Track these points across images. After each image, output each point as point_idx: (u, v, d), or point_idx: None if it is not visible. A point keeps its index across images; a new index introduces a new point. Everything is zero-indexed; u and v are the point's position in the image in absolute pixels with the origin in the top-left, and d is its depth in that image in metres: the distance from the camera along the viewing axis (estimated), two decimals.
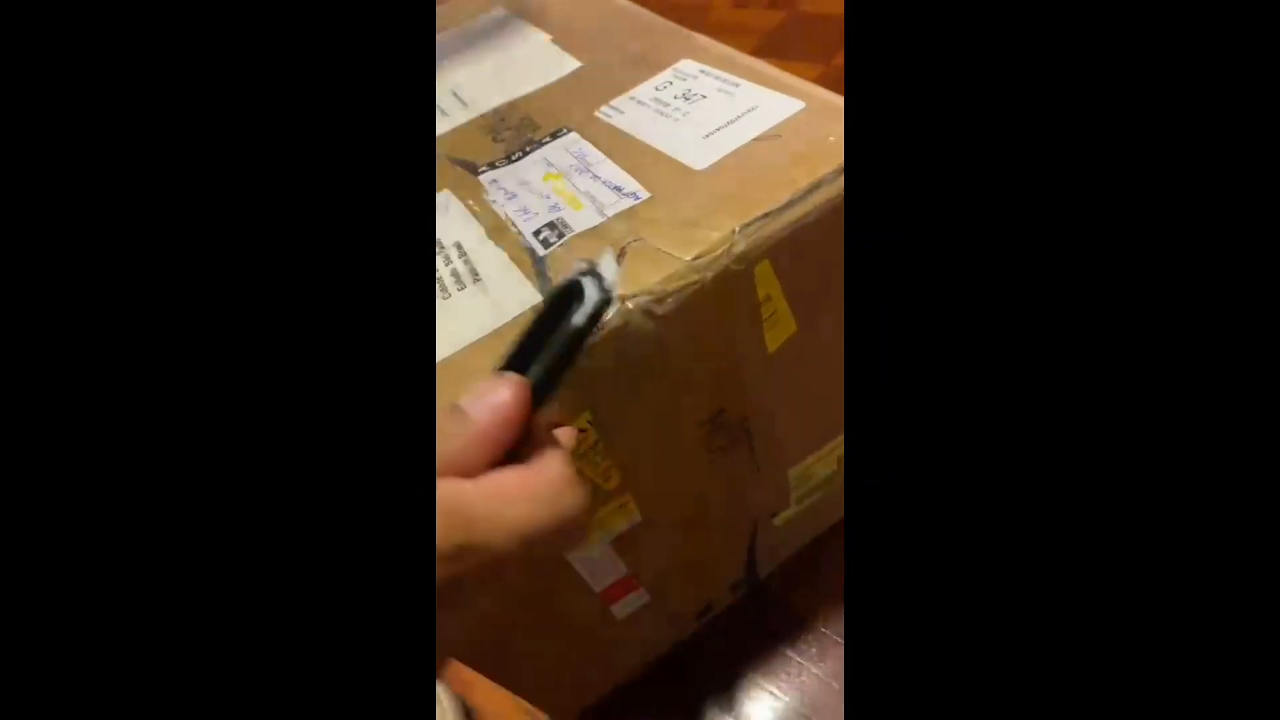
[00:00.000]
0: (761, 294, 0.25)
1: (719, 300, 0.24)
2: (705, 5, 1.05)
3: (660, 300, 0.23)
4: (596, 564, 0.30)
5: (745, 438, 0.30)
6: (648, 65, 0.33)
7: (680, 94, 0.31)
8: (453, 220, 0.28)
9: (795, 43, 0.93)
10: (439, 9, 0.45)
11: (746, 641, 0.40)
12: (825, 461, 0.36)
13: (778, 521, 0.37)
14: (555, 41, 0.38)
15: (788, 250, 0.24)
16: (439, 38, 0.42)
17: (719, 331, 0.25)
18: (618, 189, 0.27)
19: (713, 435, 0.29)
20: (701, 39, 0.34)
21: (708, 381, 0.26)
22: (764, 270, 0.24)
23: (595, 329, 0.18)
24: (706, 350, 0.25)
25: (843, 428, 0.35)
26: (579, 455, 0.25)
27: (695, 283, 0.23)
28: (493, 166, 0.30)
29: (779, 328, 0.27)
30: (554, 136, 0.31)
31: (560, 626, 0.32)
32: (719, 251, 0.23)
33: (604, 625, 0.34)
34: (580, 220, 0.26)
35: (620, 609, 0.34)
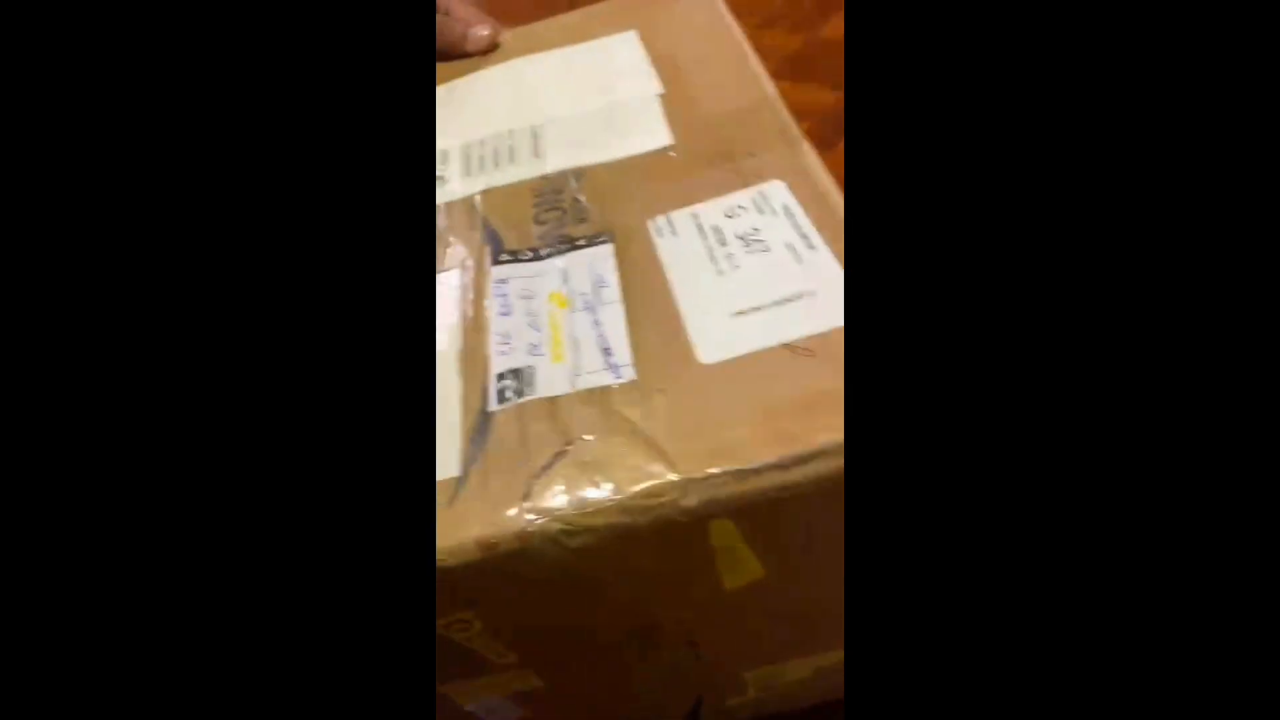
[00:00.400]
0: (716, 544, 0.20)
1: (655, 543, 0.20)
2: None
3: (572, 534, 0.19)
4: (495, 709, 0.28)
5: (688, 646, 0.26)
6: (736, 169, 0.28)
7: (745, 232, 0.25)
8: (442, 317, 0.25)
9: (816, 67, 0.83)
10: (571, 14, 0.41)
11: None
12: (800, 669, 0.31)
13: (730, 702, 0.33)
14: (662, 98, 0.33)
15: (760, 514, 0.19)
16: (559, 52, 0.38)
17: (655, 568, 0.21)
18: (606, 352, 0.22)
19: (642, 644, 0.25)
20: (810, 157, 0.28)
21: (634, 605, 0.22)
22: (721, 526, 0.20)
23: None
24: (634, 581, 0.21)
25: (826, 645, 0.29)
26: (461, 636, 0.22)
27: (623, 525, 0.19)
28: (515, 258, 0.27)
29: (740, 572, 0.22)
30: (590, 242, 0.27)
31: None
32: (663, 499, 0.19)
33: None
34: (547, 379, 0.22)
35: None
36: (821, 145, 0.77)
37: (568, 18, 0.42)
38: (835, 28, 0.89)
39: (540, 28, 0.41)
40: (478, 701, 0.27)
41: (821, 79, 0.82)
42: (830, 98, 0.78)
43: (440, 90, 0.38)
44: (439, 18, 0.39)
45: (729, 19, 0.39)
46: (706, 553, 0.21)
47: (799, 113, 0.74)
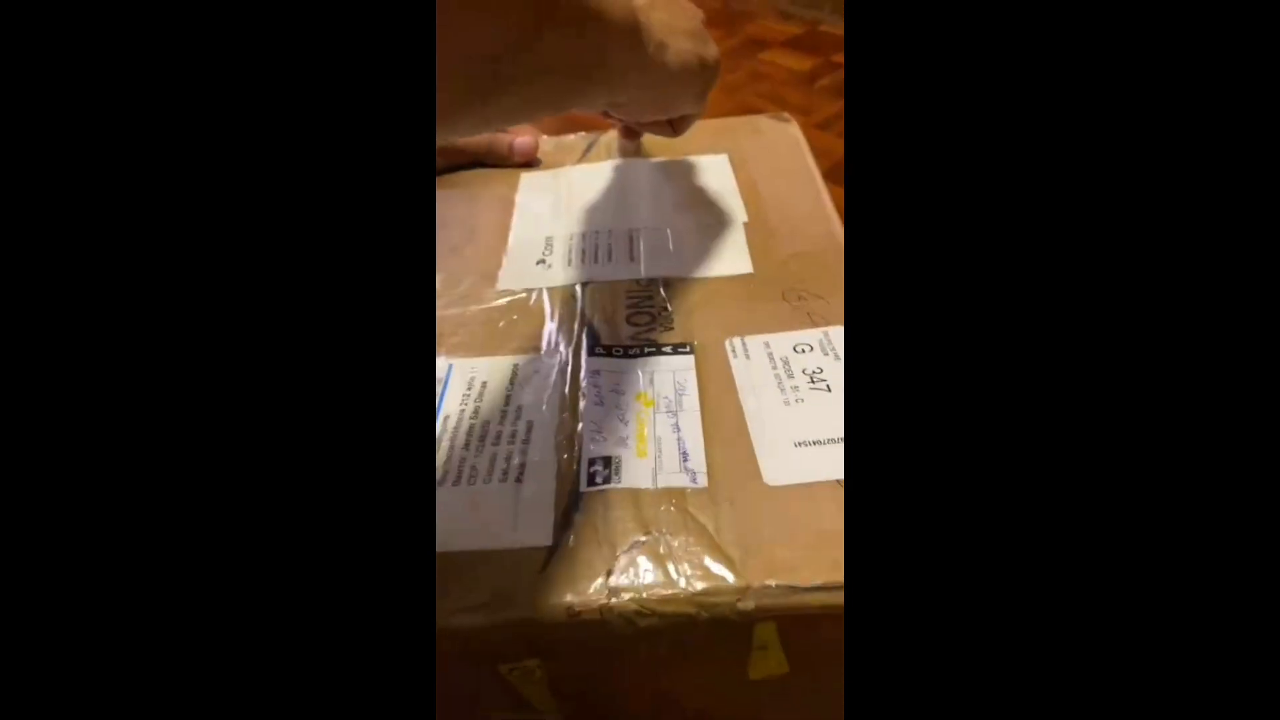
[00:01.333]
0: (758, 641, 0.24)
1: (707, 633, 0.23)
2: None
3: (643, 615, 0.22)
4: None
5: (697, 717, 0.29)
6: (805, 308, 0.32)
7: (811, 369, 0.29)
8: (541, 395, 0.29)
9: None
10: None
11: None
12: None
13: None
14: (746, 226, 0.38)
15: (801, 624, 0.23)
16: (659, 162, 0.43)
17: (700, 648, 0.24)
18: (684, 456, 0.26)
19: (665, 712, 0.28)
20: None
21: (666, 680, 0.26)
22: (765, 628, 0.23)
23: None
24: (676, 661, 0.25)
25: None
26: (520, 682, 0.25)
27: (686, 614, 0.22)
28: (609, 353, 0.31)
29: (767, 665, 0.25)
30: (675, 350, 0.31)
31: None
32: (722, 599, 0.22)
33: None
34: (632, 472, 0.26)
35: None
36: None
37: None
38: None
39: (647, 136, 0.46)
40: None
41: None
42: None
43: (547, 175, 0.43)
44: (493, 135, 0.44)
45: (808, 156, 0.44)
46: (745, 647, 0.24)
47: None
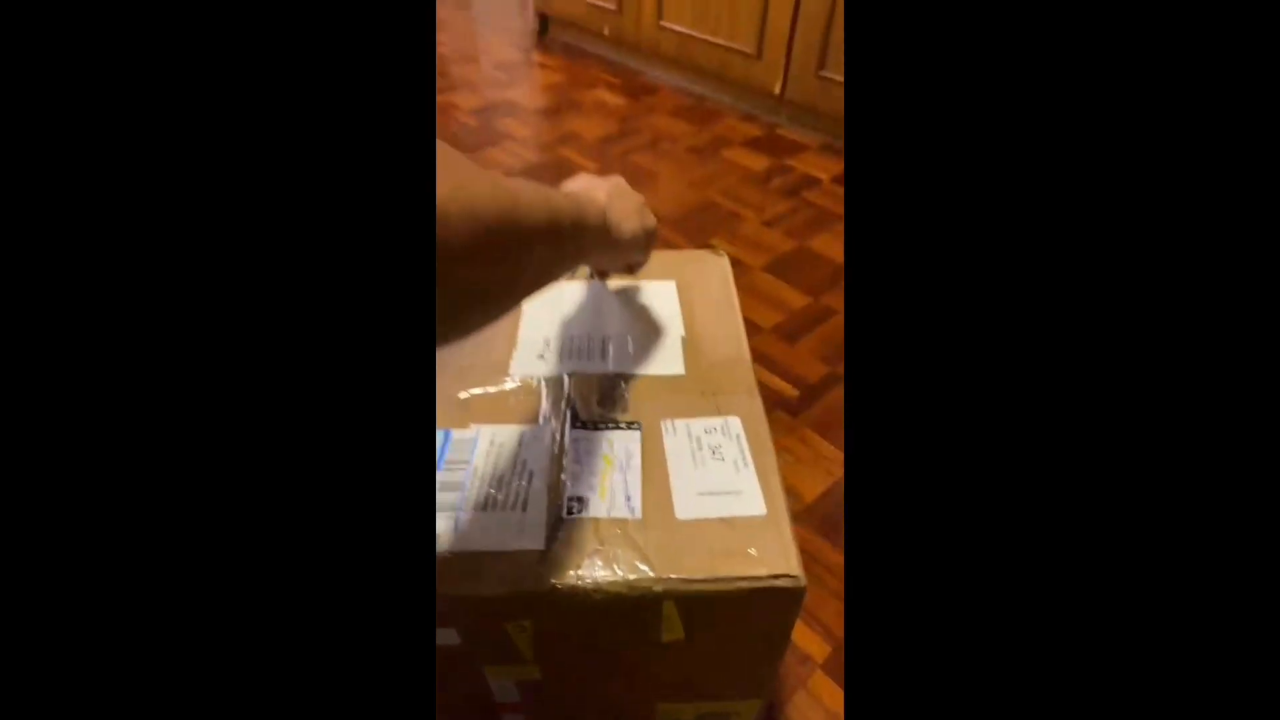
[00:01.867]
0: (665, 614, 0.39)
1: (633, 605, 0.38)
2: (740, 216, 1.24)
3: (596, 593, 0.38)
4: (501, 689, 0.45)
5: (626, 676, 0.44)
6: (715, 403, 0.49)
7: (713, 446, 0.46)
8: (539, 454, 0.45)
9: (798, 272, 1.12)
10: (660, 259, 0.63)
11: None
12: (688, 711, 0.49)
13: None
14: (683, 339, 0.54)
15: (692, 603, 0.38)
16: (627, 284, 0.59)
17: (626, 619, 0.40)
18: (628, 498, 0.42)
19: (603, 664, 0.43)
20: (758, 405, 0.49)
21: (609, 637, 0.41)
22: (669, 605, 0.39)
23: None
24: (614, 624, 0.40)
25: (706, 696, 0.48)
26: (516, 635, 0.40)
27: (618, 593, 0.38)
28: (584, 427, 0.47)
29: (670, 631, 0.41)
30: (629, 426, 0.47)
31: (476, 708, 0.48)
32: (644, 585, 0.38)
33: None
34: (595, 507, 0.41)
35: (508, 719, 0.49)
36: (787, 338, 1.08)
37: None
38: (821, 243, 1.15)
39: None
40: (498, 681, 0.44)
41: (796, 283, 1.07)
42: (800, 301, 1.03)
43: (548, 290, 0.59)
44: None
45: (732, 287, 0.61)
46: (657, 617, 0.40)
47: (777, 306, 1.07)
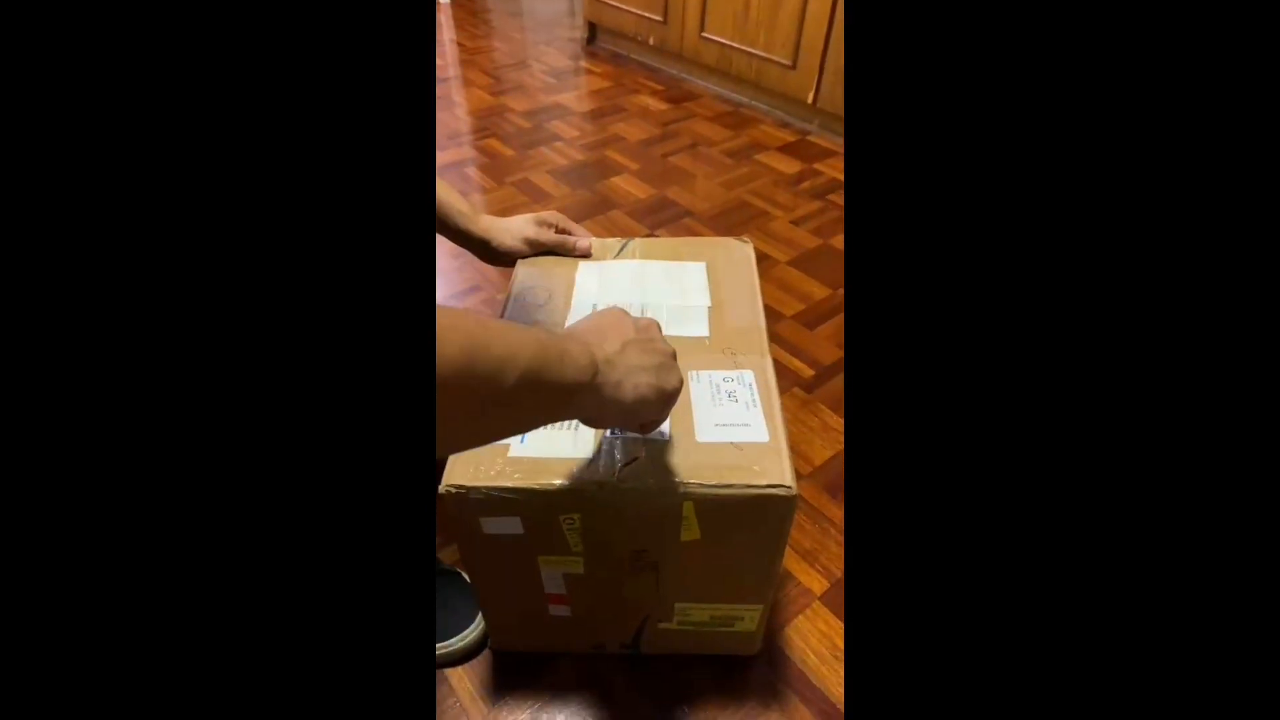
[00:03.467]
0: (685, 514, 0.50)
1: (660, 506, 0.49)
2: (769, 215, 1.32)
3: (630, 491, 0.48)
4: (550, 579, 0.56)
5: (653, 571, 0.55)
6: (733, 359, 0.59)
7: (729, 391, 0.56)
8: None
9: (819, 267, 1.22)
10: (677, 240, 0.74)
11: (611, 672, 0.64)
12: (701, 611, 0.59)
13: (661, 626, 0.61)
14: (709, 309, 0.64)
15: (707, 505, 0.49)
16: (663, 264, 0.70)
17: (655, 516, 0.50)
18: (661, 430, 0.52)
19: (634, 561, 0.54)
20: (768, 362, 0.59)
21: (641, 534, 0.52)
22: (689, 506, 0.49)
23: None
24: (646, 522, 0.50)
25: (720, 600, 0.58)
26: (567, 528, 0.51)
27: (650, 493, 0.48)
28: None
29: (688, 531, 0.51)
30: None
31: (528, 595, 0.58)
32: (671, 488, 0.48)
33: (543, 613, 0.60)
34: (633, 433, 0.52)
35: (554, 610, 0.59)
36: (807, 325, 1.20)
37: (676, 241, 0.75)
38: (843, 241, 1.24)
39: (658, 242, 0.74)
40: (548, 571, 0.55)
41: (818, 276, 1.16)
42: (821, 292, 1.12)
43: (595, 265, 0.70)
44: (564, 237, 0.72)
45: (753, 271, 0.71)
46: (678, 517, 0.50)
47: (800, 296, 1.20)
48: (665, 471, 0.49)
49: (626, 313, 0.44)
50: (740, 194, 1.39)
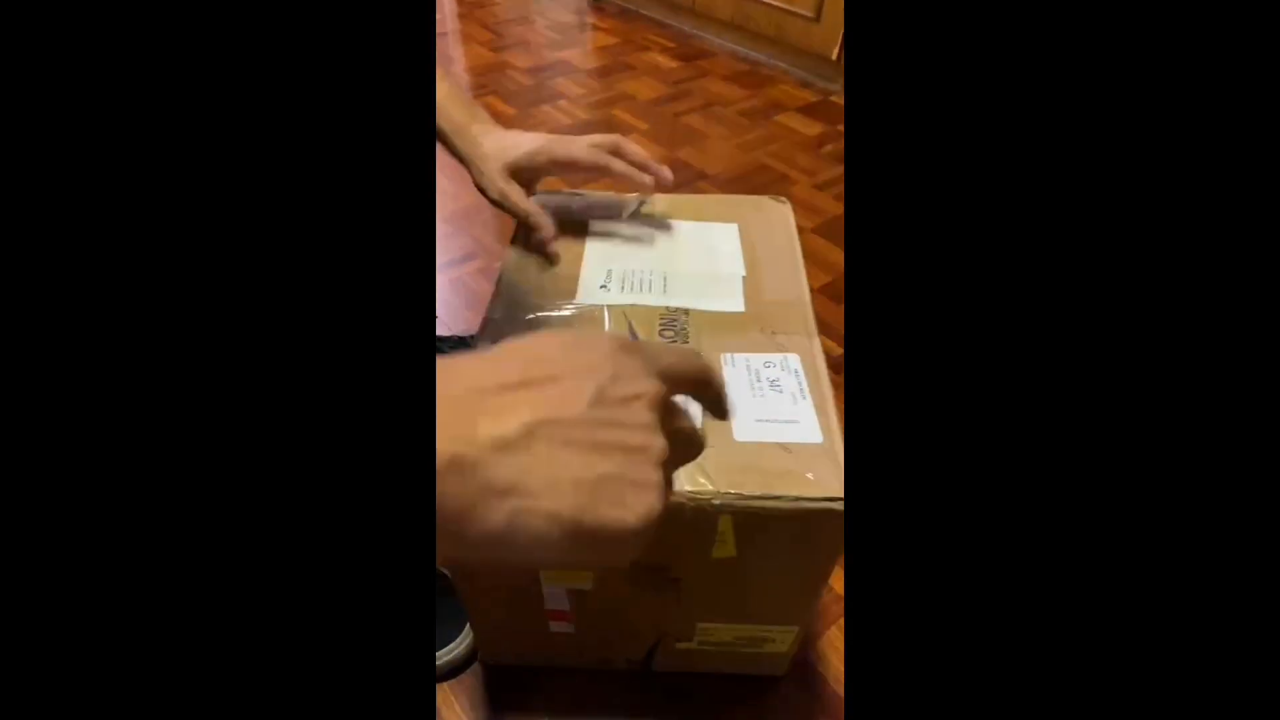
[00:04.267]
0: (720, 529, 0.41)
1: (692, 517, 0.40)
2: (790, 179, 1.24)
3: None
4: (552, 594, 0.47)
5: (673, 589, 0.46)
6: (774, 340, 0.50)
7: (772, 379, 0.47)
8: None
9: (843, 233, 1.12)
10: (704, 197, 0.64)
11: (618, 690, 0.56)
12: (726, 631, 0.51)
13: (678, 646, 0.52)
14: (744, 279, 0.55)
15: (747, 519, 0.40)
16: (689, 225, 0.60)
17: (683, 530, 0.41)
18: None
19: (653, 578, 0.45)
20: (817, 345, 0.50)
21: (663, 549, 0.43)
22: (725, 520, 0.40)
23: None
24: (670, 536, 0.42)
25: (749, 621, 0.49)
26: None
27: (678, 503, 0.39)
28: None
29: (722, 547, 0.42)
30: None
31: (525, 611, 0.50)
32: (704, 497, 0.39)
33: (542, 629, 0.51)
34: None
35: (555, 626, 0.51)
36: (834, 299, 1.09)
37: (702, 198, 0.65)
38: None
39: (682, 200, 0.64)
40: (551, 586, 0.46)
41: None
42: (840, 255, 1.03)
43: (607, 224, 0.60)
44: (614, 165, 0.56)
45: (794, 233, 0.61)
46: (711, 531, 0.41)
47: (826, 267, 1.07)
48: (698, 476, 0.40)
49: (610, 338, 0.23)
50: (758, 156, 1.29)
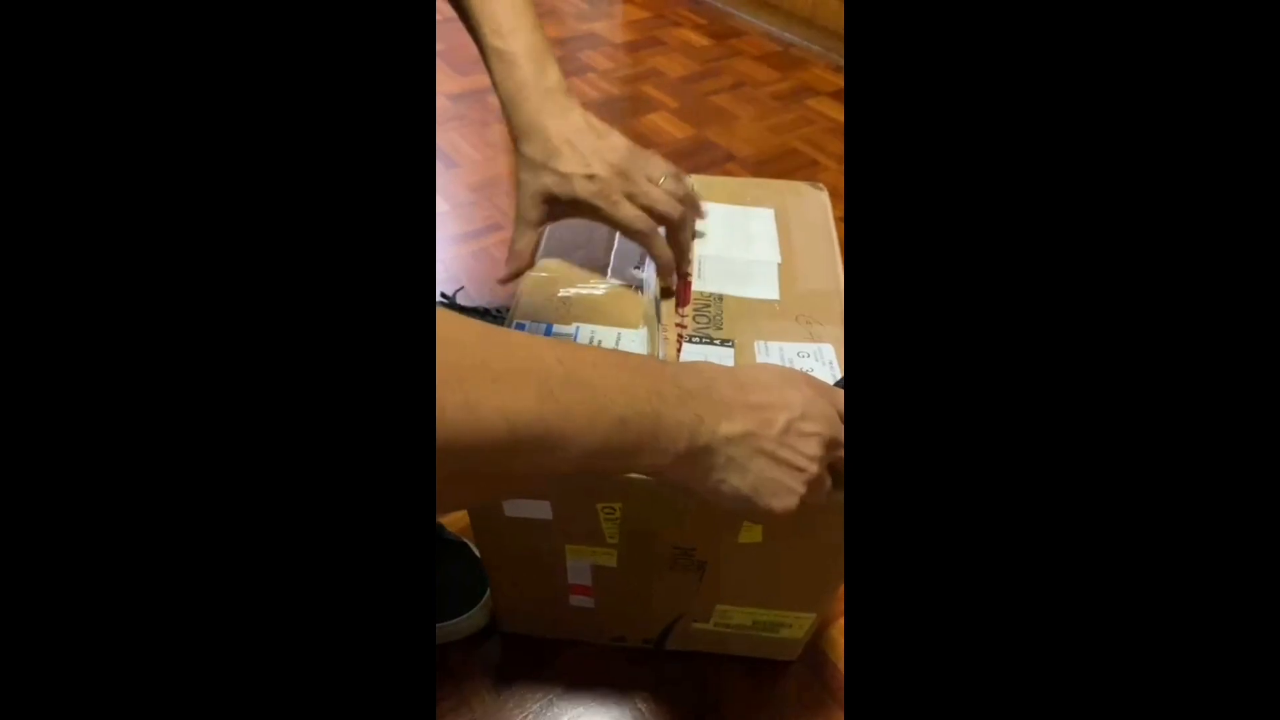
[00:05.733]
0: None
1: None
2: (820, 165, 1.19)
3: None
4: (576, 569, 0.48)
5: (698, 571, 0.47)
6: (808, 329, 0.49)
7: (805, 370, 0.47)
8: (633, 350, 0.46)
9: None
10: (739, 180, 0.63)
11: (630, 667, 0.57)
12: (743, 615, 0.51)
13: (694, 626, 0.53)
14: (780, 266, 0.55)
15: None
16: (723, 208, 0.60)
17: (712, 513, 0.42)
18: None
19: (677, 558, 0.45)
20: None
21: (691, 531, 0.43)
22: None
23: None
24: (699, 518, 0.42)
25: (767, 606, 0.50)
26: (605, 517, 0.42)
27: None
28: (679, 340, 0.48)
29: (749, 533, 0.43)
30: (723, 343, 0.48)
31: (547, 583, 0.51)
32: None
33: (562, 602, 0.52)
34: None
35: (575, 600, 0.52)
36: None
37: (736, 181, 0.65)
38: None
39: (717, 182, 0.63)
40: (575, 560, 0.47)
41: None
42: None
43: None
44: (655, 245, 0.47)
45: (830, 220, 0.61)
46: (739, 521, 0.41)
47: None
48: None
49: (809, 382, 0.34)
50: (788, 140, 1.27)
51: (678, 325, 0.49)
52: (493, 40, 0.44)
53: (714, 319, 0.50)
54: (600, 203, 0.44)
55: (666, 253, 0.48)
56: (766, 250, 0.56)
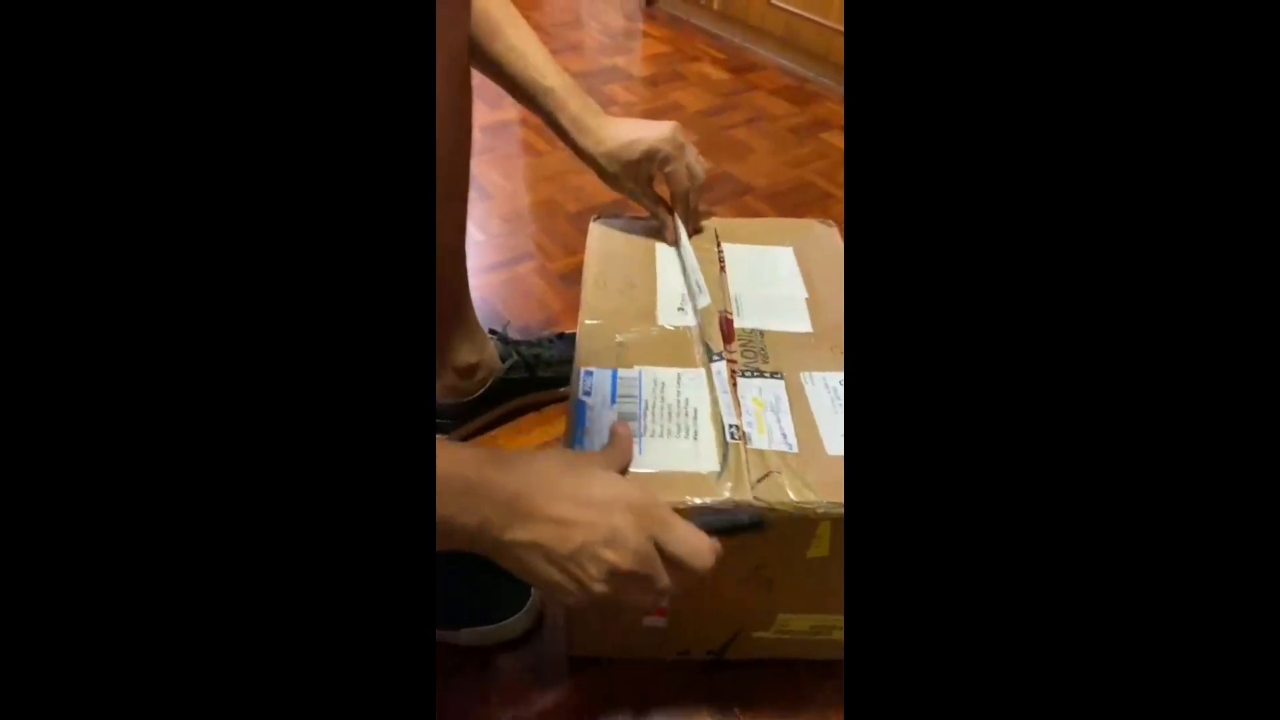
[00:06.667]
0: (818, 533, 0.46)
1: (795, 524, 0.45)
2: (834, 198, 1.24)
3: (770, 510, 0.44)
4: None
5: (766, 585, 0.51)
6: (841, 358, 0.54)
7: None
8: (699, 393, 0.51)
9: None
10: (756, 221, 0.68)
11: (691, 676, 0.61)
12: (802, 622, 0.56)
13: (755, 635, 0.58)
14: (807, 301, 0.60)
15: (843, 526, 0.45)
16: (744, 249, 0.65)
17: (783, 533, 0.46)
18: (784, 435, 0.48)
19: (750, 575, 0.50)
20: None
21: (764, 550, 0.48)
22: (824, 525, 0.45)
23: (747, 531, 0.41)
24: (771, 539, 0.47)
25: (825, 611, 0.54)
26: None
27: (784, 512, 0.45)
28: (733, 374, 0.53)
29: (817, 548, 0.47)
30: (772, 375, 0.53)
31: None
32: (807, 509, 0.44)
33: (636, 624, 0.55)
34: (756, 440, 0.48)
35: (648, 621, 0.56)
36: None
37: (754, 223, 0.70)
38: None
39: (738, 224, 0.69)
40: None
41: None
42: None
43: (672, 251, 0.66)
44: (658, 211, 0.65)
45: (842, 254, 0.66)
46: (810, 535, 0.46)
47: None
48: (803, 489, 0.45)
49: (644, 511, 0.40)
50: (803, 174, 1.33)
51: (729, 360, 0.54)
52: (542, 82, 0.60)
53: (759, 352, 0.55)
54: (669, 148, 0.62)
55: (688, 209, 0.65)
56: (793, 286, 0.61)
